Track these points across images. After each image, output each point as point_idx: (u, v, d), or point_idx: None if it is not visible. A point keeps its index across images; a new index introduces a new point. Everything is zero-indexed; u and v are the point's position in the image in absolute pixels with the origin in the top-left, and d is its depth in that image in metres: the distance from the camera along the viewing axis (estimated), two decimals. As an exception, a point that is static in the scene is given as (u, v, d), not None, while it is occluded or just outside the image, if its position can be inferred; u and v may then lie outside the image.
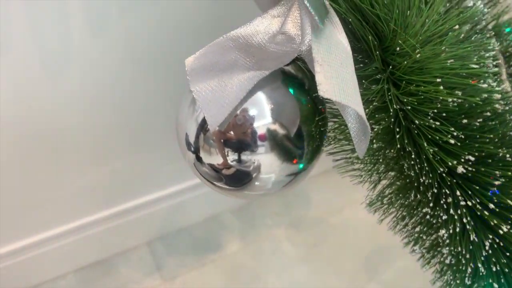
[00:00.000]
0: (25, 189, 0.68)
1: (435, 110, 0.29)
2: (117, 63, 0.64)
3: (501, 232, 0.30)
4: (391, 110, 0.30)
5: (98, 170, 0.73)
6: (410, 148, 0.31)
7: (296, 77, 0.31)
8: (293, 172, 0.32)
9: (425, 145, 0.30)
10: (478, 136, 0.30)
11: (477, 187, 0.30)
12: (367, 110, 0.30)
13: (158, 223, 0.85)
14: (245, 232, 0.87)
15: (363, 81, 0.31)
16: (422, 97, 0.29)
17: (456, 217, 0.31)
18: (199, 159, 0.31)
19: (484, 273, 0.32)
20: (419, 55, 0.28)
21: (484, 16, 0.34)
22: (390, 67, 0.29)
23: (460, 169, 0.30)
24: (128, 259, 0.82)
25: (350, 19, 0.29)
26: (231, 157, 0.30)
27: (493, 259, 0.31)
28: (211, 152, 0.30)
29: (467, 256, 0.32)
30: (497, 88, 0.29)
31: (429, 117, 0.29)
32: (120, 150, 0.73)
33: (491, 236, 0.31)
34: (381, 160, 0.34)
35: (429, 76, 0.28)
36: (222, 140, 0.29)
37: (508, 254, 0.31)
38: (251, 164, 0.30)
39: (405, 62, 0.28)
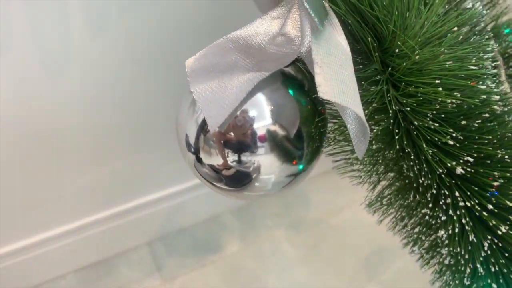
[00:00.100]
0: (25, 189, 0.68)
1: (434, 111, 0.29)
2: (117, 63, 0.64)
3: (499, 232, 0.30)
4: (390, 111, 0.30)
5: (98, 170, 0.73)
6: (409, 149, 0.31)
7: (296, 78, 0.31)
8: (292, 173, 0.32)
9: (424, 146, 0.30)
10: (477, 137, 0.30)
11: (476, 188, 0.30)
12: (366, 111, 0.30)
13: (159, 224, 0.85)
14: (245, 233, 0.87)
15: (363, 82, 0.31)
16: (421, 98, 0.29)
17: (455, 217, 0.31)
18: (199, 160, 0.31)
19: (483, 274, 0.32)
20: (418, 56, 0.28)
21: (483, 17, 0.34)
22: (389, 68, 0.29)
23: (459, 170, 0.30)
24: (128, 259, 0.82)
25: (350, 21, 0.29)
26: (231, 158, 0.30)
27: (492, 260, 0.31)
28: (211, 153, 0.30)
29: (466, 256, 0.32)
30: (495, 90, 0.29)
31: (428, 118, 0.29)
32: (120, 150, 0.73)
33: (490, 237, 0.31)
34: (380, 161, 0.34)
35: (428, 78, 0.28)
36: (222, 141, 0.29)
37: (506, 254, 0.31)
38: (251, 165, 0.30)
39: (404, 64, 0.28)
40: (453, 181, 0.31)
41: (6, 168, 0.64)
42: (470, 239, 0.31)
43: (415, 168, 0.31)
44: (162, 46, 0.66)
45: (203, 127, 0.30)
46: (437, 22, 0.29)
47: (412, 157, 0.31)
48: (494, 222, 0.30)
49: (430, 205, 0.32)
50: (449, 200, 0.31)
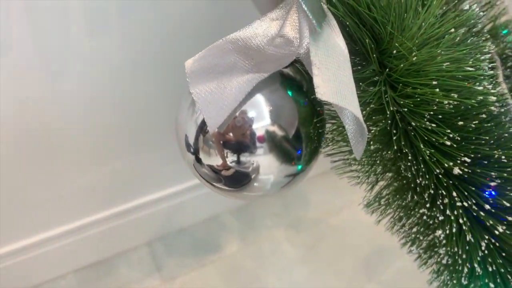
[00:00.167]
0: (25, 189, 0.68)
1: (432, 112, 0.29)
2: (117, 63, 0.64)
3: (497, 232, 0.30)
4: (388, 112, 0.30)
5: (98, 170, 0.73)
6: (407, 150, 0.31)
7: (295, 79, 0.32)
8: (291, 173, 0.32)
9: (422, 146, 0.30)
10: (474, 138, 0.30)
11: (473, 188, 0.31)
12: (364, 112, 0.31)
13: (158, 224, 0.85)
14: (245, 233, 0.87)
15: (361, 83, 0.31)
16: (419, 99, 0.29)
17: (452, 217, 0.31)
18: (198, 160, 0.31)
19: (480, 273, 0.32)
20: (415, 57, 0.28)
21: (480, 19, 0.35)
22: (387, 69, 0.30)
23: (456, 171, 0.30)
24: (128, 259, 0.82)
25: (348, 22, 0.29)
26: (230, 158, 0.30)
27: (489, 259, 0.31)
28: (211, 154, 0.30)
29: (464, 256, 0.32)
30: (492, 91, 0.30)
31: (426, 119, 0.29)
32: (120, 150, 0.73)
33: (487, 237, 0.31)
34: (378, 162, 0.35)
35: (426, 79, 0.28)
36: (221, 142, 0.30)
37: (504, 254, 0.31)
38: (250, 165, 0.30)
39: (402, 65, 0.29)
40: (451, 182, 0.31)
41: (6, 168, 0.65)
42: (468, 239, 0.31)
43: (413, 169, 0.32)
44: (162, 47, 0.66)
45: (202, 128, 0.30)
46: (435, 24, 0.29)
47: (409, 157, 0.31)
48: (491, 222, 0.30)
49: (428, 205, 0.33)
50: (446, 200, 0.31)
